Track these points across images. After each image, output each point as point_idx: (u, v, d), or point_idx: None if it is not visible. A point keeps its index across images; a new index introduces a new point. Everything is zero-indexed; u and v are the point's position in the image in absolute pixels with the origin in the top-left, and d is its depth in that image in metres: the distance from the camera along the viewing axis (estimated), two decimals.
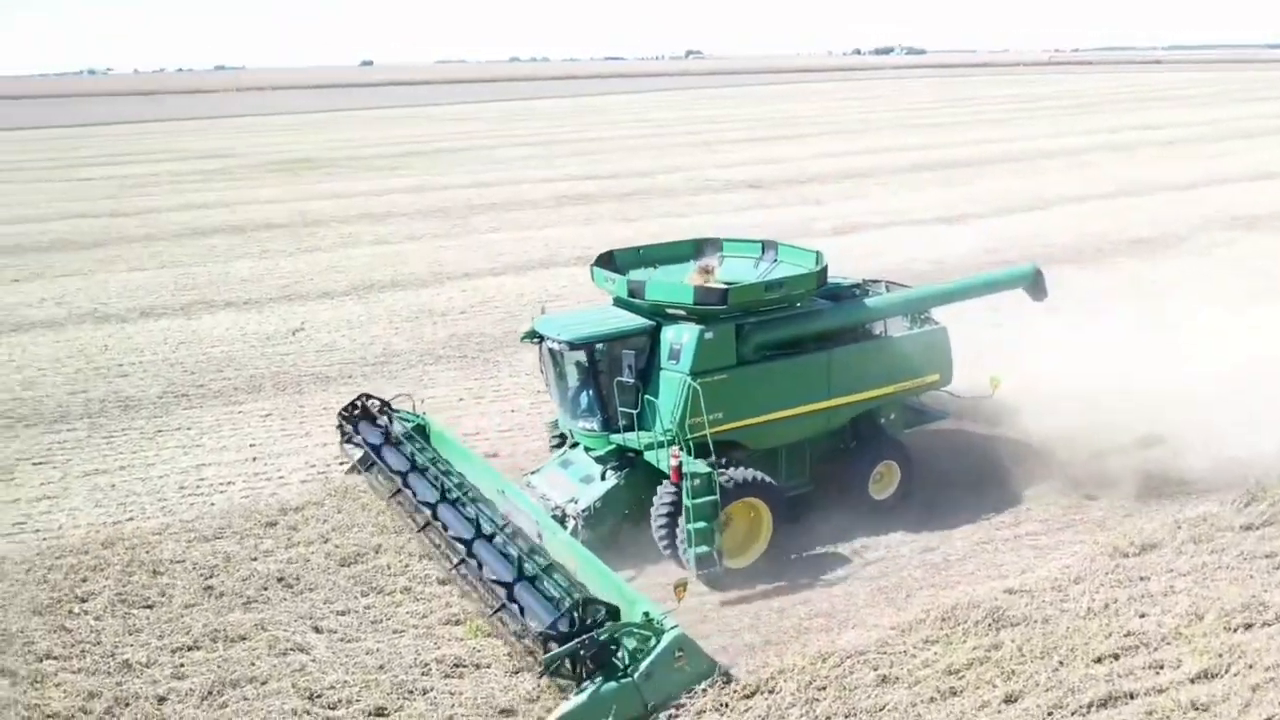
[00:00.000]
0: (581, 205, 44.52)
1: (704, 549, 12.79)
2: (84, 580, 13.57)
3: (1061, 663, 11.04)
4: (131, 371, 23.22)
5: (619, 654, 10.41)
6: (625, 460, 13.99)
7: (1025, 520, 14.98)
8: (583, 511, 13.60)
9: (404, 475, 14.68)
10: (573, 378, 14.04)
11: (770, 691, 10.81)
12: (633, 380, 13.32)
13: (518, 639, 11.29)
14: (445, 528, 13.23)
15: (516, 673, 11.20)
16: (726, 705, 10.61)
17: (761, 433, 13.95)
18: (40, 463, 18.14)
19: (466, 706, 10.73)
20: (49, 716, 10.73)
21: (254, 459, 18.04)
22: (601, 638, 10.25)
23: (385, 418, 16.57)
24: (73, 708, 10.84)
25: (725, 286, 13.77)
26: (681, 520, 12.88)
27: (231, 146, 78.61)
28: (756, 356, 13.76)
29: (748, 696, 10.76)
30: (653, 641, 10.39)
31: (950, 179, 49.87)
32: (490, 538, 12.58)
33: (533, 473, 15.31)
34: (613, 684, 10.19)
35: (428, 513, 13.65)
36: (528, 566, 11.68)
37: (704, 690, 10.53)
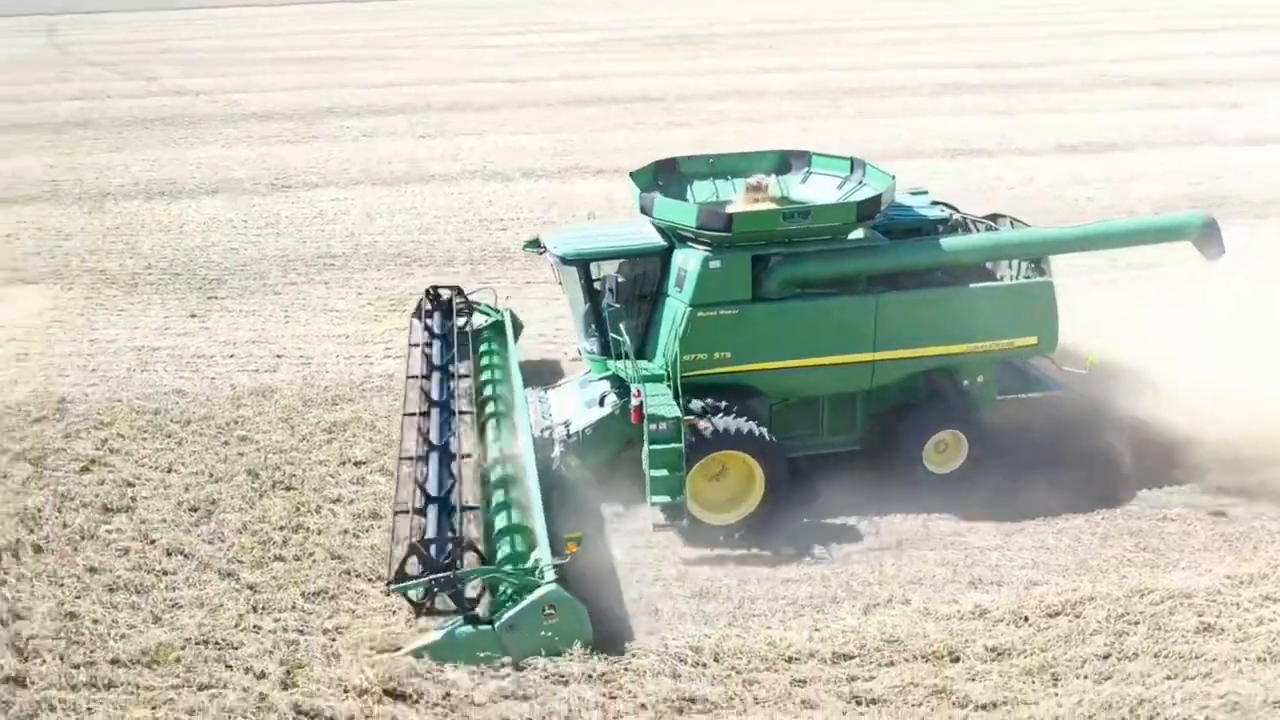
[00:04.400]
0: (956, 95, 42.26)
1: (664, 499, 11.53)
2: None
3: None
4: (510, 226, 25.43)
5: (488, 598, 9.85)
6: (627, 389, 12.49)
7: None
8: (568, 437, 12.62)
9: (428, 372, 13.79)
10: (575, 295, 12.88)
11: (1075, 615, 10.45)
12: (618, 304, 12.11)
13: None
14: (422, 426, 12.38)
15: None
16: (1026, 619, 10.42)
17: (781, 380, 12.34)
18: None
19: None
20: None
21: None
22: (466, 579, 9.62)
23: (456, 310, 15.53)
24: None
25: (731, 212, 12.11)
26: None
27: (618, 19, 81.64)
28: (782, 294, 12.10)
29: (1051, 615, 10.49)
30: (527, 592, 9.66)
31: None
32: (448, 450, 11.76)
33: (555, 386, 14.55)
34: (470, 628, 9.65)
35: (423, 409, 12.82)
36: (453, 492, 10.93)
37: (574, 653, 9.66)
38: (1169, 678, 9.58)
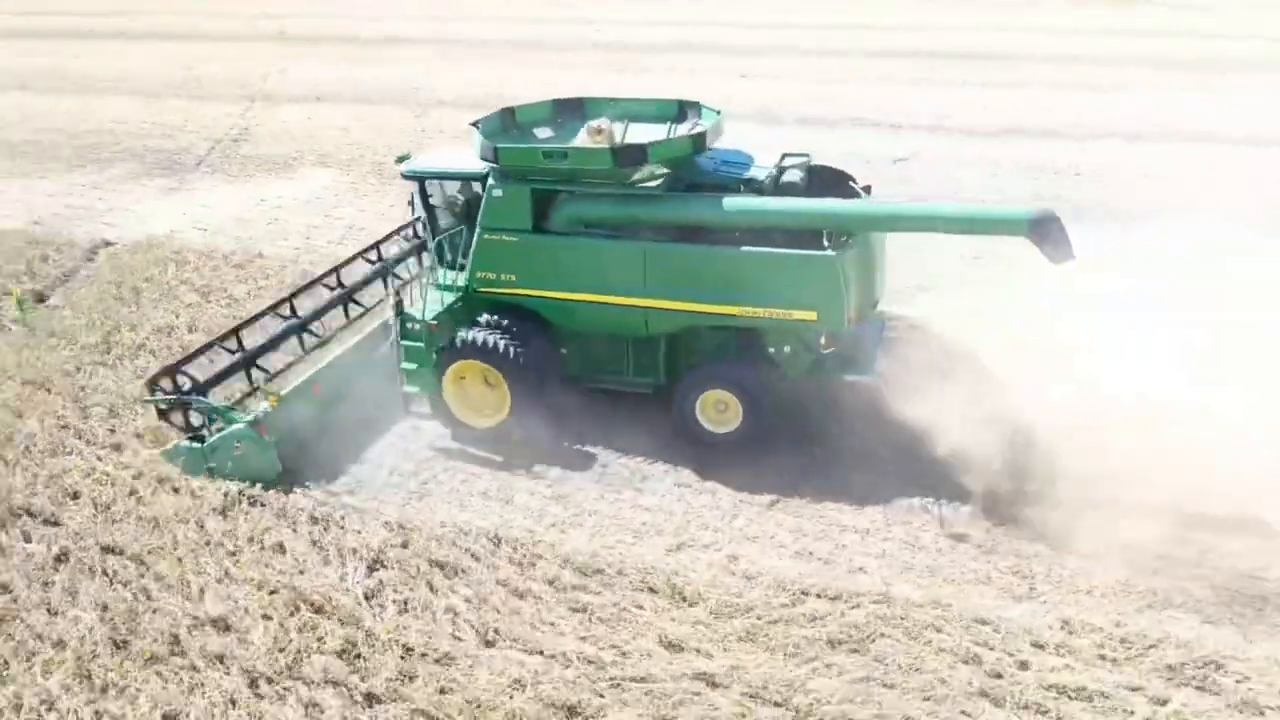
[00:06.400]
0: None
1: (414, 389, 13.47)
2: None
3: None
4: None
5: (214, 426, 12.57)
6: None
7: None
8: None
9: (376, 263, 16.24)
10: (418, 208, 14.49)
11: (835, 601, 10.35)
12: (418, 217, 14.19)
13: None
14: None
15: None
16: (784, 589, 10.51)
17: (559, 311, 13.20)
18: None
19: None
20: None
21: None
22: (192, 405, 12.63)
23: None
24: None
25: (499, 145, 12.86)
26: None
27: None
28: (567, 229, 12.87)
29: (816, 596, 10.41)
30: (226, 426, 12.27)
31: None
32: (304, 326, 14.58)
33: None
34: (186, 443, 12.43)
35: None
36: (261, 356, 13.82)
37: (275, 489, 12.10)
38: (843, 677, 9.43)
